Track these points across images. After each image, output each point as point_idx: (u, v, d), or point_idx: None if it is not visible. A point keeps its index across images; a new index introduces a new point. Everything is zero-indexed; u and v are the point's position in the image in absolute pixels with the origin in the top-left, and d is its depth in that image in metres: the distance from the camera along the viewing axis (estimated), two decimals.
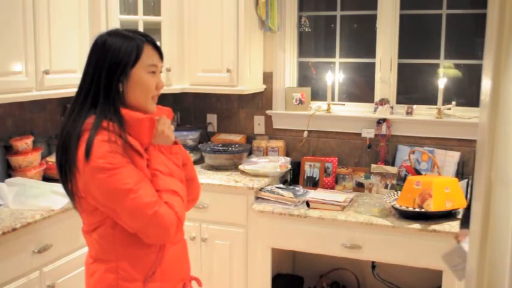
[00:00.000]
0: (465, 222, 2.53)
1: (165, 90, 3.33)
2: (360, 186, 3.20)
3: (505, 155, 0.95)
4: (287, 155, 3.50)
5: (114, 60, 1.53)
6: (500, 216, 0.96)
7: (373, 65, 3.36)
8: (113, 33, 1.59)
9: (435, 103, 3.15)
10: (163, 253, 1.62)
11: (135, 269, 1.58)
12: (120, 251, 1.57)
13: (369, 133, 3.28)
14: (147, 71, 1.58)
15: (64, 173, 1.54)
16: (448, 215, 2.65)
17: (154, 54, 1.62)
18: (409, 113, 3.22)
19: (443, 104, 3.13)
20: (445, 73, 3.23)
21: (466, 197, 2.73)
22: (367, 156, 3.33)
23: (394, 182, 3.10)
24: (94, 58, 1.57)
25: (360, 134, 3.32)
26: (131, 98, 1.56)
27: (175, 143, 1.69)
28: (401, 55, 3.30)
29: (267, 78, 3.54)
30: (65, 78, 2.83)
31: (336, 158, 3.30)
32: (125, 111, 1.54)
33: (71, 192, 1.57)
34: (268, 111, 3.55)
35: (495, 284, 0.97)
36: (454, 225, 2.56)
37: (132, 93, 1.56)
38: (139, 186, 1.48)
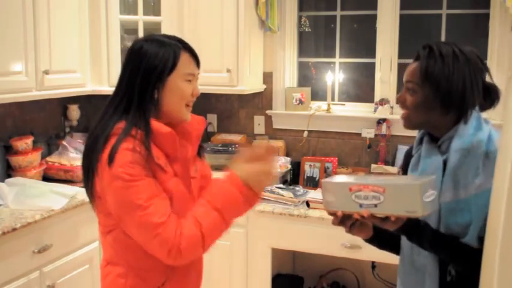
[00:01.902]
0: None
1: None
2: None
3: None
4: (287, 155, 3.50)
5: (149, 67, 1.50)
6: None
7: (373, 65, 3.36)
8: (149, 39, 1.56)
9: None
10: (175, 268, 1.57)
11: (145, 277, 1.55)
12: (132, 257, 1.55)
13: (369, 133, 3.28)
14: (184, 80, 1.55)
15: (87, 173, 1.52)
16: None
17: (191, 61, 1.58)
18: None
19: None
20: None
21: None
22: (367, 156, 3.33)
23: None
24: (130, 64, 1.53)
25: (360, 134, 3.32)
26: (166, 105, 1.52)
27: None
28: (401, 55, 3.30)
29: (267, 78, 3.54)
30: (65, 78, 2.83)
31: (336, 158, 3.30)
32: (153, 122, 1.50)
33: (90, 192, 1.55)
34: (268, 111, 3.55)
35: None
36: None
37: (167, 101, 1.52)
38: (151, 203, 1.43)
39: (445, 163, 1.48)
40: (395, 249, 1.71)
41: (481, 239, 1.39)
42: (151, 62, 1.50)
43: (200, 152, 1.76)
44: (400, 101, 1.54)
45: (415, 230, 1.45)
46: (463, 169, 1.44)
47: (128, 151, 1.44)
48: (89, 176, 1.52)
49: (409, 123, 1.54)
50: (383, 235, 1.66)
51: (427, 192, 1.33)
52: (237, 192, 1.47)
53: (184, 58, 1.55)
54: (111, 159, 1.43)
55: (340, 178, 1.58)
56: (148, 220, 1.42)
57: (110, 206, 1.48)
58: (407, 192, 1.33)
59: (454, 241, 1.44)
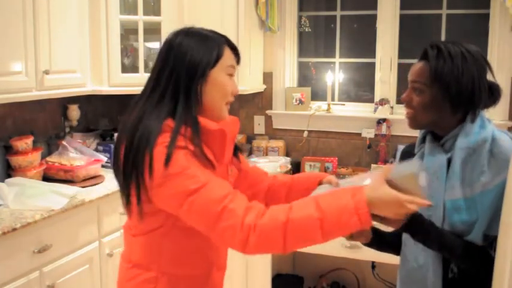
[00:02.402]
0: None
1: None
2: None
3: None
4: (287, 155, 3.50)
5: (193, 60, 1.43)
6: None
7: (373, 65, 3.37)
8: (190, 33, 1.50)
9: None
10: (207, 278, 1.51)
11: (177, 285, 1.48)
12: (165, 262, 1.46)
13: (369, 133, 3.28)
14: (226, 73, 1.49)
15: (128, 172, 1.39)
16: None
17: (232, 55, 1.54)
18: None
19: None
20: None
21: None
22: (367, 156, 3.33)
23: None
24: (171, 58, 1.45)
25: (360, 134, 3.32)
26: (207, 100, 1.45)
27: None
28: (401, 55, 3.30)
29: (267, 78, 3.54)
30: (65, 78, 2.83)
31: (336, 158, 3.30)
32: (201, 119, 1.43)
33: (127, 192, 1.42)
34: (268, 111, 3.55)
35: None
36: None
37: (209, 96, 1.45)
38: (207, 181, 1.32)
39: (448, 161, 1.48)
40: (394, 250, 1.72)
41: (485, 237, 1.40)
42: (195, 55, 1.43)
43: (236, 152, 1.66)
44: (406, 101, 1.54)
45: (419, 228, 1.45)
46: (468, 167, 1.45)
47: (180, 149, 1.35)
48: (134, 176, 1.38)
49: (415, 123, 1.54)
50: (382, 238, 1.67)
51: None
52: (351, 205, 1.22)
53: (227, 51, 1.52)
54: (167, 158, 1.32)
55: (324, 188, 1.57)
56: (209, 197, 1.29)
57: (165, 203, 1.36)
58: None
59: (459, 239, 1.44)
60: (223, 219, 1.27)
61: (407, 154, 1.67)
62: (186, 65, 1.43)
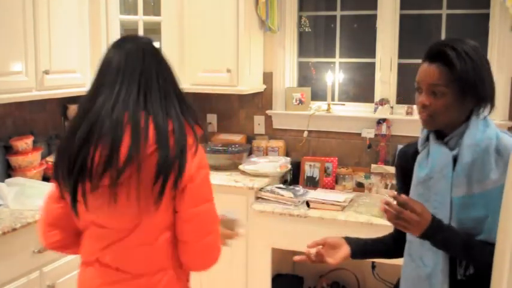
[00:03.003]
0: None
1: None
2: (360, 186, 3.20)
3: None
4: (287, 155, 3.50)
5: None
6: None
7: (373, 65, 3.36)
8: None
9: None
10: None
11: (181, 276, 1.59)
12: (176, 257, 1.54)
13: (369, 133, 3.28)
14: None
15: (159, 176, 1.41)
16: None
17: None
18: (409, 113, 3.22)
19: None
20: None
21: None
22: (367, 156, 3.33)
23: (394, 182, 3.09)
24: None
25: (360, 134, 3.32)
26: None
27: None
28: (401, 55, 3.30)
29: (267, 78, 3.54)
30: (65, 78, 2.83)
31: (336, 158, 3.30)
32: None
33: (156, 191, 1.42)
34: (268, 111, 3.55)
35: None
36: None
37: None
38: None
39: (454, 159, 1.49)
40: (382, 255, 1.76)
41: None
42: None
43: None
44: (424, 105, 1.49)
45: (440, 234, 1.43)
46: (476, 164, 1.45)
47: (201, 147, 1.56)
48: (166, 173, 1.41)
49: (434, 124, 1.51)
50: (364, 247, 1.71)
51: None
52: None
53: None
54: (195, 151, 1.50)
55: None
56: (215, 211, 1.56)
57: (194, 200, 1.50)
58: None
59: (480, 242, 1.44)
60: (213, 239, 1.54)
61: (405, 154, 1.68)
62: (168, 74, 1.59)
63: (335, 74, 3.47)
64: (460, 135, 1.49)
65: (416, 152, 1.61)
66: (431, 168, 1.52)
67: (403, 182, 1.67)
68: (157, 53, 1.56)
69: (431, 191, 1.51)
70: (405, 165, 1.67)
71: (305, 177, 3.27)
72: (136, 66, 1.49)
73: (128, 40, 1.56)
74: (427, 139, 1.58)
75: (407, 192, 1.58)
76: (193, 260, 1.53)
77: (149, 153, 1.40)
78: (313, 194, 3.00)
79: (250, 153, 3.51)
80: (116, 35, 3.13)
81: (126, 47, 1.52)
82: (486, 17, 3.09)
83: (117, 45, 1.54)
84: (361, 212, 2.78)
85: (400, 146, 3.19)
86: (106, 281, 1.51)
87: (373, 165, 3.21)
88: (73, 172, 1.42)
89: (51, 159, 2.94)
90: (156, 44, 3.48)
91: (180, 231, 1.49)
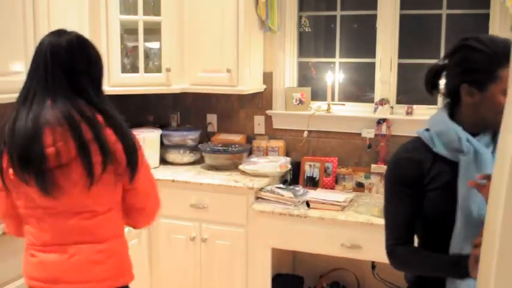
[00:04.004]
0: None
1: (165, 90, 3.34)
2: (360, 186, 3.20)
3: None
4: (287, 155, 3.50)
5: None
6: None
7: (373, 65, 3.36)
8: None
9: (435, 103, 3.15)
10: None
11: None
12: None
13: (369, 133, 3.28)
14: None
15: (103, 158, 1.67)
16: None
17: None
18: (409, 113, 3.22)
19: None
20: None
21: None
22: (367, 156, 3.33)
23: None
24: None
25: (360, 134, 3.32)
26: None
27: None
28: (401, 55, 3.30)
29: (267, 78, 3.54)
30: None
31: (336, 158, 3.30)
32: None
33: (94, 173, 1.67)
34: (268, 111, 3.55)
35: None
36: None
37: None
38: None
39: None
40: None
41: None
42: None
43: None
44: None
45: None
46: None
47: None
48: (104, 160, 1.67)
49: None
50: None
51: None
52: None
53: None
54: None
55: None
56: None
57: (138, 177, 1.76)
58: None
59: None
60: (157, 198, 1.92)
61: (411, 161, 1.59)
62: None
63: (335, 74, 3.47)
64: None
65: (423, 159, 1.56)
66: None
67: (414, 189, 1.58)
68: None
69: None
70: (416, 173, 1.58)
71: (305, 177, 3.27)
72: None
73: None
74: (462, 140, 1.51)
75: (418, 202, 1.56)
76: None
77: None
78: (313, 194, 3.00)
79: (250, 153, 3.51)
80: (116, 35, 3.13)
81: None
82: (486, 17, 3.09)
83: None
84: (361, 212, 2.78)
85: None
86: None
87: (373, 165, 3.21)
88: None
89: None
90: (156, 44, 3.50)
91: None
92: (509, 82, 0.87)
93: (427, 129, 1.63)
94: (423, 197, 1.58)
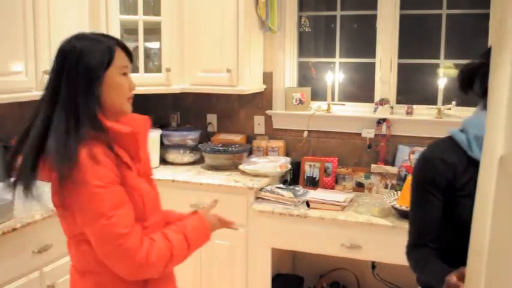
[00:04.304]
0: None
1: (165, 90, 3.35)
2: (360, 186, 3.20)
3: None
4: (287, 155, 3.50)
5: (88, 64, 1.49)
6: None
7: (373, 65, 3.36)
8: (80, 37, 1.57)
9: (435, 103, 3.15)
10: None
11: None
12: (100, 266, 1.50)
13: (369, 133, 3.28)
14: (120, 73, 1.56)
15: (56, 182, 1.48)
16: None
17: (124, 55, 1.60)
18: (409, 113, 3.22)
19: (443, 104, 3.13)
20: (445, 73, 3.23)
21: None
22: (367, 156, 3.33)
23: (394, 182, 3.10)
24: (66, 65, 1.51)
25: (360, 134, 3.32)
26: (107, 101, 1.52)
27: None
28: (401, 55, 3.30)
29: (267, 78, 3.54)
30: None
31: (336, 158, 3.30)
32: (108, 124, 1.49)
33: (55, 201, 1.55)
34: (268, 111, 3.55)
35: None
36: None
37: (108, 97, 1.53)
38: (114, 213, 1.42)
39: None
40: None
41: None
42: (89, 59, 1.50)
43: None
44: None
45: None
46: None
47: (94, 155, 1.42)
48: (53, 187, 1.52)
49: None
50: None
51: None
52: (205, 228, 1.66)
53: (119, 52, 1.57)
54: (74, 164, 1.40)
55: None
56: (111, 230, 1.41)
57: (75, 214, 1.47)
58: None
59: None
60: (118, 255, 1.44)
61: (445, 163, 1.51)
62: (81, 70, 1.49)
63: (335, 74, 3.47)
64: None
65: (456, 162, 1.49)
66: None
67: (444, 193, 1.53)
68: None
69: None
70: (449, 176, 1.51)
71: (305, 177, 3.27)
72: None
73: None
74: None
75: (445, 206, 1.51)
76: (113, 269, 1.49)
77: None
78: (313, 194, 3.00)
79: (250, 153, 3.51)
80: (116, 35, 3.13)
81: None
82: (486, 17, 3.09)
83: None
84: (361, 212, 2.78)
85: (400, 146, 3.21)
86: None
87: (373, 165, 3.21)
88: None
89: None
90: (156, 44, 3.50)
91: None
92: (489, 80, 0.86)
93: (461, 130, 1.54)
94: (452, 202, 1.51)
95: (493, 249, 0.81)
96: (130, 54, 1.64)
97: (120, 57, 1.57)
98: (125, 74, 1.58)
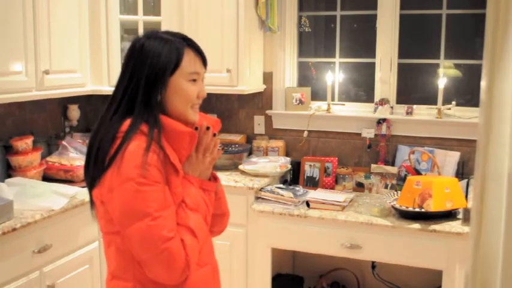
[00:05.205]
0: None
1: None
2: (360, 186, 3.20)
3: (498, 151, 0.93)
4: (287, 155, 3.50)
5: (153, 66, 1.42)
6: (492, 211, 0.95)
7: (373, 65, 3.36)
8: (152, 37, 1.47)
9: (435, 103, 3.15)
10: (187, 277, 1.41)
11: None
12: (137, 272, 1.41)
13: (369, 133, 3.28)
14: (188, 79, 1.47)
15: (91, 177, 1.43)
16: (448, 215, 2.65)
17: (196, 60, 1.51)
18: (409, 113, 3.22)
19: (443, 104, 3.13)
20: (445, 73, 3.23)
21: (466, 197, 2.73)
22: (367, 156, 3.33)
23: (394, 182, 3.10)
24: (132, 63, 1.45)
25: (360, 134, 3.32)
26: (170, 107, 1.45)
27: (214, 178, 1.57)
28: (401, 55, 3.30)
29: (267, 78, 3.54)
30: (65, 78, 2.83)
31: (336, 158, 3.30)
32: (166, 120, 1.42)
33: (91, 197, 1.47)
34: (268, 111, 3.55)
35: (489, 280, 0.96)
36: (454, 225, 2.56)
37: (171, 103, 1.45)
38: (160, 214, 1.33)
39: None
40: None
41: None
42: (154, 61, 1.42)
43: None
44: None
45: None
46: None
47: (142, 150, 1.34)
48: (93, 181, 1.42)
49: None
50: None
51: None
52: (199, 190, 1.48)
53: (189, 56, 1.48)
54: (121, 158, 1.34)
55: None
56: (157, 232, 1.32)
57: (114, 212, 1.37)
58: None
59: None
60: (164, 259, 1.34)
61: None
62: (146, 71, 1.43)
63: (335, 74, 3.48)
64: None
65: None
66: None
67: None
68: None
69: None
70: None
71: (305, 177, 3.27)
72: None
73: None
74: None
75: None
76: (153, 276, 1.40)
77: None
78: (313, 194, 3.00)
79: (250, 153, 3.51)
80: (116, 35, 3.13)
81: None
82: (486, 17, 3.09)
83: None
84: (361, 212, 2.78)
85: (400, 146, 3.21)
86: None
87: (373, 165, 3.21)
88: None
89: (51, 159, 2.95)
90: None
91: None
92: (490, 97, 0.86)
93: None
94: None
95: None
96: (204, 59, 1.54)
97: (189, 61, 1.48)
98: (193, 80, 1.49)
